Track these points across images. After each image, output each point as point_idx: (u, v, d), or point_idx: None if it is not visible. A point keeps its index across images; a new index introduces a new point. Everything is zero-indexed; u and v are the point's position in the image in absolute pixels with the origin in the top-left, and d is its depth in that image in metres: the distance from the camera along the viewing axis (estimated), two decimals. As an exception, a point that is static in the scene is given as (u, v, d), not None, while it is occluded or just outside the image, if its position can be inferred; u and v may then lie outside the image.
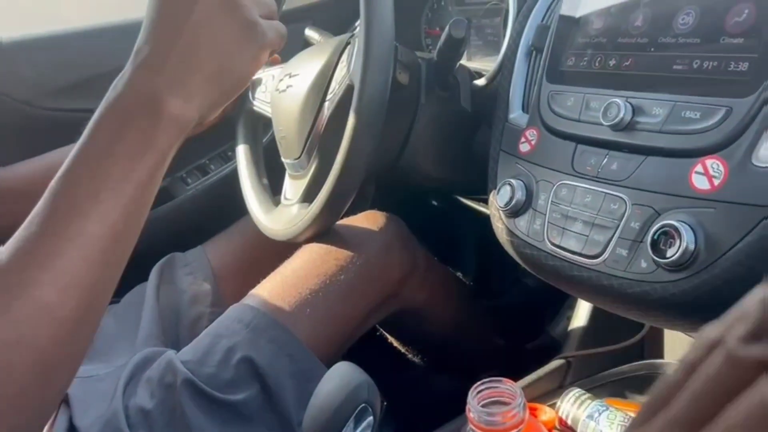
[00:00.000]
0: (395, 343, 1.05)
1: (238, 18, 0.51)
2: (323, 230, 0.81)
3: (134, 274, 0.66)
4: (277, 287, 0.81)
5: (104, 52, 1.23)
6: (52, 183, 0.48)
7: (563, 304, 1.04)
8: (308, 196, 0.82)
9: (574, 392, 0.69)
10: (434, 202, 1.32)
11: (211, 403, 0.70)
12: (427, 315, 0.96)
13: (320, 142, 0.82)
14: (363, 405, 0.56)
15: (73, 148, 0.48)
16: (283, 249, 0.92)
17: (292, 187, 0.88)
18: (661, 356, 0.82)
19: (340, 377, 0.57)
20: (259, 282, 0.87)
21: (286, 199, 0.89)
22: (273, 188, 0.98)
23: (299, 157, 0.85)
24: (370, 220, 0.91)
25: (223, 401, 0.70)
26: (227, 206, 1.07)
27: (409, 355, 1.06)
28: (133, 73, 0.49)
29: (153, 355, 0.77)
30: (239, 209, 0.99)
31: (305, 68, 0.85)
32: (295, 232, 0.81)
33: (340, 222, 0.89)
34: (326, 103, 0.82)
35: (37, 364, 0.44)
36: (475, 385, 0.53)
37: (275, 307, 0.78)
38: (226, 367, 0.72)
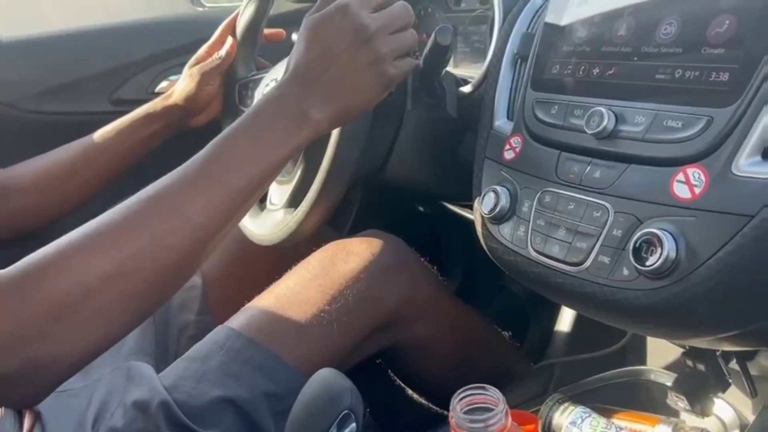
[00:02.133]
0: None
1: (373, 72, 0.64)
2: (308, 235, 0.81)
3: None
4: (259, 312, 0.79)
5: (88, 55, 1.23)
6: (214, 141, 0.61)
7: (548, 311, 1.04)
8: (294, 202, 0.82)
9: (557, 398, 0.70)
10: (420, 208, 1.32)
11: (184, 431, 0.69)
12: (429, 350, 0.90)
13: (306, 148, 0.82)
14: (346, 411, 0.56)
15: (237, 121, 0.62)
16: (271, 255, 0.91)
17: (278, 192, 0.87)
18: (644, 363, 0.82)
19: (323, 383, 0.57)
20: (246, 289, 0.86)
21: (271, 203, 0.89)
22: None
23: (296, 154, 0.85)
24: (366, 243, 0.88)
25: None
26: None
27: (409, 392, 1.00)
28: (291, 82, 0.63)
29: (133, 371, 0.75)
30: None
31: None
32: (280, 237, 0.81)
33: (336, 242, 0.88)
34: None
35: (174, 262, 0.57)
36: (459, 391, 0.53)
37: (256, 329, 0.77)
38: (198, 396, 0.71)
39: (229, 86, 1.03)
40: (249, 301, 0.82)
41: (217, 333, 0.78)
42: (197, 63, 1.02)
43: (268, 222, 0.86)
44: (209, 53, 1.03)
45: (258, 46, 1.05)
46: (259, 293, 0.83)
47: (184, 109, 1.02)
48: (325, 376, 0.58)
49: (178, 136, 1.05)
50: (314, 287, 0.80)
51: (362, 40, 0.63)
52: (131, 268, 0.54)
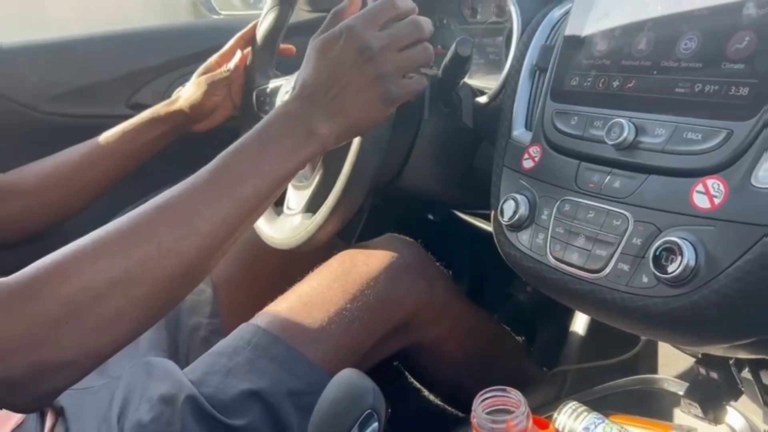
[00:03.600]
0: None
1: (379, 89, 0.66)
2: (325, 240, 0.82)
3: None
4: (284, 311, 0.81)
5: (104, 60, 1.25)
6: (223, 154, 0.63)
7: (555, 320, 1.05)
8: (311, 207, 0.83)
9: (571, 404, 0.70)
10: (430, 216, 1.33)
11: (212, 422, 0.70)
12: (445, 352, 0.93)
13: (325, 154, 0.84)
14: (368, 411, 0.57)
15: (245, 135, 0.64)
16: (284, 261, 0.93)
17: (296, 197, 0.89)
18: (656, 371, 0.83)
19: (345, 383, 0.58)
20: (258, 293, 0.87)
21: (288, 209, 0.90)
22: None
23: (303, 169, 0.86)
24: (386, 246, 0.91)
25: (224, 424, 0.71)
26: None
27: (425, 393, 1.02)
28: (298, 100, 0.65)
29: (154, 367, 0.77)
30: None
31: None
32: (297, 242, 0.82)
33: (357, 245, 0.90)
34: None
35: (181, 269, 0.58)
36: (481, 392, 0.54)
37: (281, 327, 0.79)
38: (225, 390, 0.72)
39: (246, 93, 1.05)
40: (259, 304, 0.84)
41: (244, 330, 0.79)
42: (206, 72, 1.04)
43: (285, 226, 0.87)
44: (219, 63, 1.05)
45: (276, 55, 1.06)
46: (269, 297, 0.85)
47: (188, 115, 1.04)
48: (348, 376, 0.59)
49: (181, 142, 1.07)
50: (336, 287, 0.82)
51: (366, 59, 0.65)
52: (138, 275, 0.55)
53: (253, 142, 0.63)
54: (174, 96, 1.07)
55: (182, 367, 0.78)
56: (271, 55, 1.05)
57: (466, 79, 0.95)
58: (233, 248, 1.02)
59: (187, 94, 1.04)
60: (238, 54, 1.04)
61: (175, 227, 0.57)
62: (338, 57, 0.65)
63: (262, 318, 0.81)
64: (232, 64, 1.03)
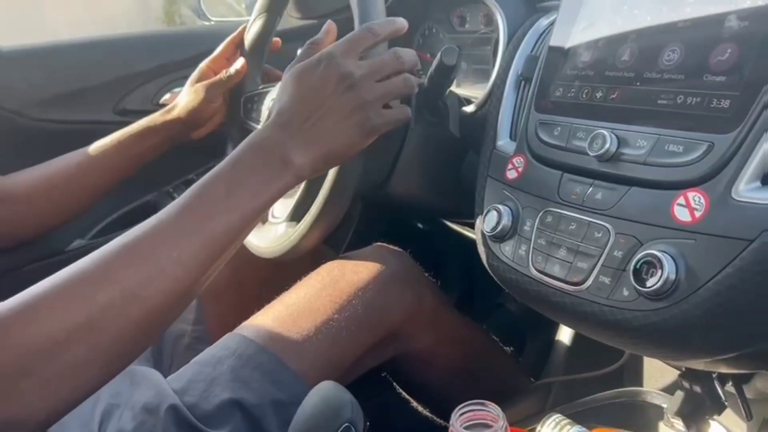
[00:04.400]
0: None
1: (356, 118, 0.65)
2: (310, 249, 0.82)
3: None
4: (270, 320, 0.80)
5: (92, 65, 1.25)
6: (192, 187, 0.60)
7: (544, 330, 1.05)
8: (296, 215, 0.83)
9: (555, 417, 0.70)
10: (420, 225, 1.33)
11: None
12: (433, 362, 0.92)
13: None
14: (346, 424, 0.56)
15: (217, 167, 0.61)
16: (269, 269, 0.92)
17: (280, 206, 0.88)
18: (641, 384, 0.83)
19: (323, 396, 0.58)
20: (243, 301, 0.87)
21: (273, 217, 0.89)
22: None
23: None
24: (374, 255, 0.90)
25: None
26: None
27: (413, 405, 1.01)
28: (273, 128, 0.63)
29: (138, 376, 0.76)
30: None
31: None
32: (281, 251, 0.82)
33: (342, 256, 0.89)
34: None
35: (146, 315, 0.54)
36: (459, 406, 0.53)
37: (266, 337, 0.78)
38: (208, 399, 0.72)
39: (234, 100, 1.04)
40: (244, 312, 0.83)
41: (229, 339, 0.79)
42: (200, 78, 1.03)
43: (269, 235, 0.87)
44: (211, 69, 1.04)
45: (264, 62, 1.06)
46: (255, 305, 0.84)
47: (186, 123, 1.02)
48: (326, 388, 0.59)
49: (177, 148, 1.06)
50: (324, 297, 0.81)
51: (346, 87, 0.64)
52: (101, 322, 0.51)
53: (223, 175, 0.60)
54: (165, 101, 1.06)
55: (166, 375, 0.77)
56: (258, 61, 1.04)
57: (454, 88, 0.95)
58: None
59: (184, 101, 1.02)
60: (240, 60, 1.02)
61: (140, 269, 0.54)
62: (317, 84, 0.64)
63: (248, 327, 0.80)
64: (233, 70, 1.01)
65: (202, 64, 1.04)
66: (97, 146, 1.01)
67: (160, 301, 0.55)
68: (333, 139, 0.64)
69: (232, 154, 0.62)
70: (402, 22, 0.69)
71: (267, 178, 0.61)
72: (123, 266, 0.54)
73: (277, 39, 1.07)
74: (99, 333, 0.52)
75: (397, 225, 1.26)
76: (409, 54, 0.68)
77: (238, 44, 1.06)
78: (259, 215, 0.61)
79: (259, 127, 0.66)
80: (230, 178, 0.60)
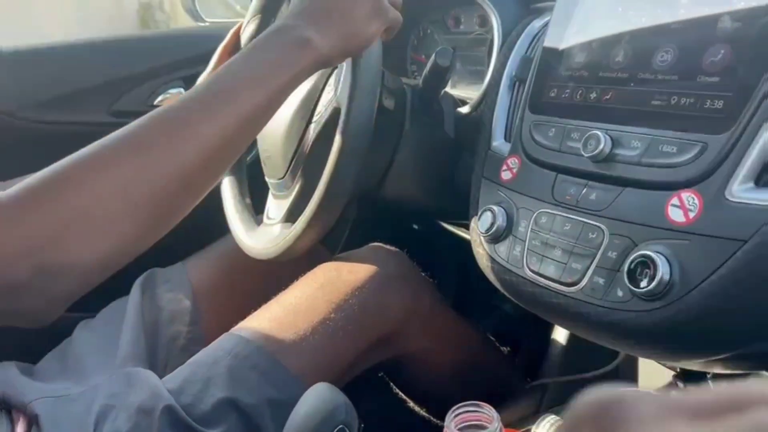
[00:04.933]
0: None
1: (367, 5, 0.67)
2: (304, 251, 0.81)
3: (112, 287, 0.66)
4: (266, 321, 0.80)
5: (87, 67, 1.24)
6: (219, 69, 0.62)
7: (540, 331, 1.05)
8: (291, 216, 0.83)
9: (549, 418, 0.70)
10: (415, 226, 1.32)
11: None
12: (429, 363, 0.92)
13: (305, 163, 0.83)
14: (340, 426, 0.56)
15: (242, 50, 0.64)
16: (265, 270, 0.92)
17: (276, 207, 0.88)
18: (636, 384, 0.83)
19: (318, 398, 0.58)
20: (238, 302, 0.86)
21: (268, 218, 0.89)
22: (256, 207, 0.98)
23: (283, 177, 0.85)
24: (370, 255, 0.90)
25: None
26: (209, 223, 1.07)
27: (410, 405, 1.01)
28: (290, 17, 0.65)
29: (134, 377, 0.76)
30: (221, 227, 0.99)
31: None
32: (276, 252, 0.82)
33: (339, 256, 0.89)
34: (312, 125, 0.83)
35: (181, 174, 0.57)
36: (453, 408, 0.53)
37: (262, 337, 0.78)
38: (204, 399, 0.71)
39: None
40: (239, 313, 0.83)
41: (225, 340, 0.78)
42: None
43: (264, 236, 0.86)
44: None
45: None
46: (250, 306, 0.84)
47: None
48: (320, 390, 0.59)
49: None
50: (320, 297, 0.81)
51: None
52: (138, 177, 0.54)
53: (246, 57, 0.63)
54: (159, 103, 1.04)
55: (161, 376, 0.77)
56: None
57: (449, 89, 0.95)
58: (213, 255, 1.03)
59: None
60: None
61: (174, 133, 0.57)
62: None
63: (244, 328, 0.80)
64: None
65: (200, 81, 1.03)
66: None
67: (194, 158, 0.57)
68: (349, 22, 0.66)
69: (251, 42, 0.64)
70: None
71: (289, 56, 0.63)
72: (157, 130, 0.56)
73: None
74: (137, 188, 0.54)
75: (393, 226, 1.26)
76: None
77: (230, 50, 1.05)
78: (284, 94, 0.64)
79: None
80: (253, 59, 0.62)
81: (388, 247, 0.92)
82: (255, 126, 0.63)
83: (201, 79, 1.01)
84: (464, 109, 0.88)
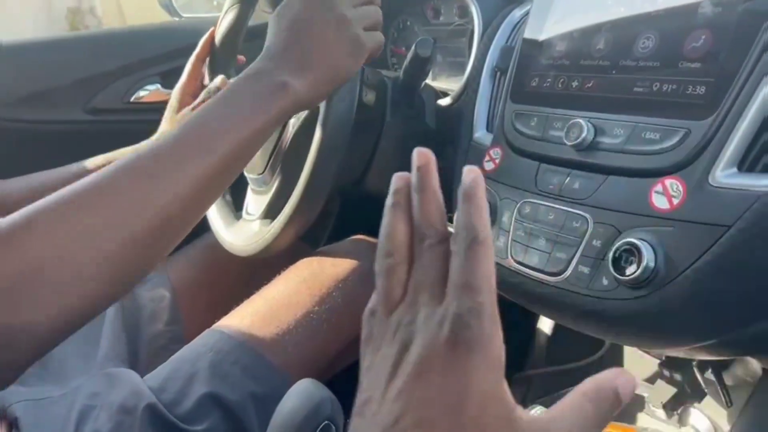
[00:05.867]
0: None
1: (344, 34, 0.65)
2: (284, 247, 0.80)
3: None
4: (249, 315, 0.79)
5: (60, 64, 1.22)
6: (194, 113, 0.59)
7: (525, 322, 1.05)
8: (270, 212, 0.82)
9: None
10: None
11: (172, 430, 0.68)
12: None
13: (284, 159, 0.82)
14: (326, 422, 0.55)
15: (218, 94, 0.61)
16: (246, 266, 0.91)
17: (255, 203, 0.87)
18: (621, 374, 0.83)
19: (302, 394, 0.57)
20: (219, 299, 0.85)
21: (248, 214, 0.88)
22: (235, 202, 0.97)
23: (262, 173, 0.84)
24: (353, 247, 0.89)
25: (184, 431, 0.68)
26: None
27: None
28: (265, 59, 0.64)
29: (115, 377, 0.75)
30: (201, 224, 0.97)
31: None
32: (256, 249, 0.80)
33: (321, 249, 0.89)
34: (291, 120, 0.81)
35: (149, 227, 0.54)
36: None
37: (245, 332, 0.77)
38: (187, 395, 0.70)
39: (206, 97, 1.02)
40: (220, 310, 0.82)
41: (208, 335, 0.77)
42: (179, 109, 0.98)
43: (243, 232, 0.85)
44: (187, 93, 0.98)
45: (236, 57, 1.04)
46: (231, 303, 0.83)
47: None
48: (305, 386, 0.58)
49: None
50: (303, 290, 0.81)
51: (327, 9, 0.65)
52: (105, 229, 0.52)
53: (219, 104, 0.61)
54: (136, 98, 1.00)
55: (142, 376, 0.76)
56: (230, 56, 1.02)
57: (430, 81, 0.95)
58: (193, 252, 1.01)
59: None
60: (216, 81, 0.99)
61: (142, 184, 0.54)
62: (299, 14, 0.65)
63: (226, 324, 0.79)
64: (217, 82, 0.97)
65: (176, 93, 0.99)
66: (101, 159, 0.96)
67: (168, 210, 0.55)
68: (326, 59, 0.65)
69: (226, 87, 0.62)
70: None
71: (265, 99, 0.61)
72: (130, 179, 0.54)
73: (241, 57, 1.05)
74: (104, 241, 0.51)
75: (376, 220, 1.25)
76: None
77: (203, 59, 1.02)
78: (261, 138, 0.62)
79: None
80: (229, 102, 0.60)
81: (370, 239, 0.91)
82: (230, 173, 0.61)
83: (168, 114, 0.98)
84: (445, 101, 0.87)
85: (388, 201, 0.40)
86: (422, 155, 0.40)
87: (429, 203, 0.39)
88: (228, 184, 0.62)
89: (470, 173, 0.37)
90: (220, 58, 1.01)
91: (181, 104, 0.98)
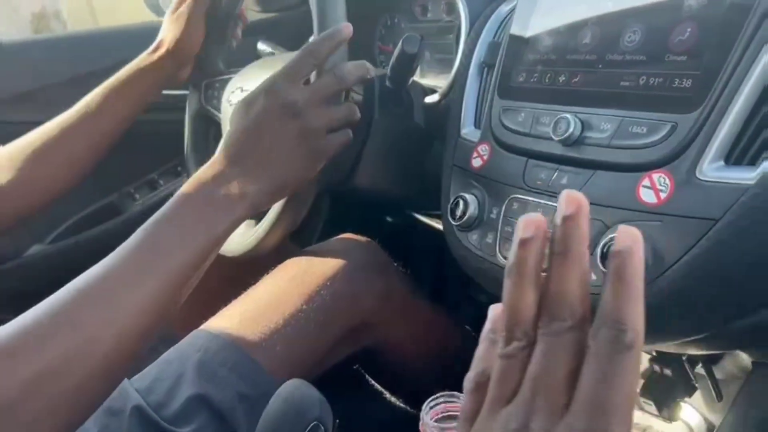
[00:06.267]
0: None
1: (305, 143, 0.64)
2: (271, 249, 0.80)
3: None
4: (236, 315, 0.79)
5: (52, 63, 1.21)
6: (144, 226, 0.57)
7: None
8: (257, 214, 0.81)
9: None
10: (389, 218, 1.31)
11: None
12: (404, 353, 0.91)
13: None
14: (314, 423, 0.55)
15: (165, 205, 0.59)
16: (233, 267, 0.90)
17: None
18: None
19: (291, 395, 0.56)
20: (207, 299, 0.85)
21: (236, 214, 0.87)
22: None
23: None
24: (341, 245, 0.89)
25: None
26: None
27: (387, 395, 1.00)
28: (223, 162, 0.62)
29: None
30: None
31: (257, 82, 0.84)
32: (243, 249, 0.80)
33: (309, 248, 0.88)
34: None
35: (103, 364, 0.51)
36: (429, 399, 0.52)
37: (232, 332, 0.76)
38: (174, 396, 0.70)
39: (195, 84, 1.02)
40: (208, 310, 0.82)
41: (195, 336, 0.77)
42: (179, 6, 0.97)
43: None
44: None
45: (227, 43, 1.03)
46: (219, 303, 0.83)
47: (176, 58, 0.96)
48: (293, 386, 0.57)
49: (138, 147, 1.02)
50: (292, 289, 0.81)
51: (291, 115, 0.64)
52: (63, 368, 0.49)
53: (173, 212, 0.59)
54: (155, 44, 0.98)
55: (130, 377, 0.75)
56: (221, 42, 1.01)
57: (418, 78, 0.94)
58: None
59: (170, 34, 0.96)
60: None
61: (100, 313, 0.52)
62: (262, 114, 0.64)
63: (214, 324, 0.79)
64: None
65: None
66: (83, 103, 0.94)
67: (123, 342, 0.53)
68: (284, 167, 0.64)
69: (182, 190, 0.60)
70: (345, 31, 0.67)
71: (222, 210, 0.60)
72: (81, 311, 0.52)
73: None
74: (61, 380, 0.49)
75: (367, 218, 1.24)
76: (349, 70, 0.68)
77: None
78: (217, 247, 0.60)
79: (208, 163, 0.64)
80: (184, 215, 0.59)
81: (358, 237, 0.91)
82: (186, 289, 0.59)
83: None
84: (433, 98, 0.87)
85: (512, 257, 0.30)
86: (573, 200, 0.30)
87: (570, 272, 0.29)
88: (185, 295, 0.60)
89: (627, 235, 0.28)
90: (211, 44, 0.99)
91: (178, 4, 0.97)
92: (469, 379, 0.34)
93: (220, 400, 0.70)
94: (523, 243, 0.30)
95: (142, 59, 0.97)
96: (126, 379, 0.73)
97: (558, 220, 0.29)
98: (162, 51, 0.96)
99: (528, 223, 0.30)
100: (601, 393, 0.27)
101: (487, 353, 0.32)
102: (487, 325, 0.33)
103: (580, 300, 0.29)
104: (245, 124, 0.64)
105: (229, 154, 0.63)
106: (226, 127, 0.88)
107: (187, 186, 0.61)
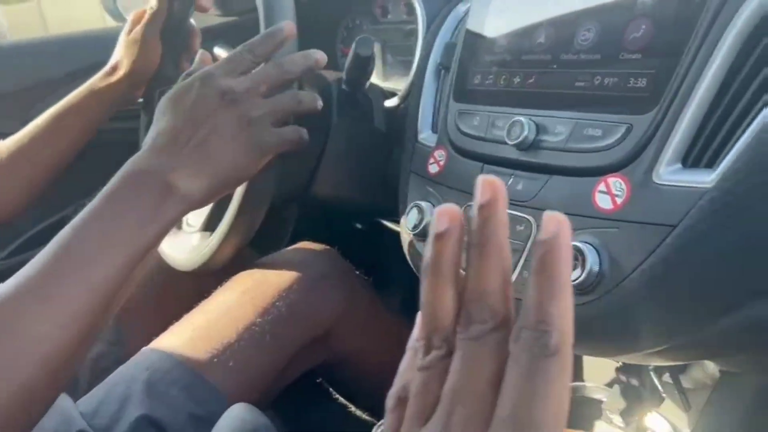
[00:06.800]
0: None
1: (245, 133, 0.58)
2: (226, 261, 0.76)
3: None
4: (187, 332, 0.76)
5: (23, 68, 1.17)
6: (61, 233, 0.52)
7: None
8: (210, 224, 0.78)
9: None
10: (358, 225, 1.28)
11: None
12: (369, 364, 0.88)
13: None
14: (259, 449, 0.52)
15: (89, 204, 0.53)
16: (190, 280, 0.87)
17: (195, 214, 0.83)
18: (581, 378, 0.80)
19: (235, 421, 0.53)
20: (164, 316, 0.81)
21: (188, 225, 0.84)
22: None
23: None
24: (297, 254, 0.86)
25: None
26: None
27: (352, 408, 0.97)
28: (151, 155, 0.55)
29: None
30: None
31: None
32: (196, 263, 0.76)
33: (263, 259, 0.85)
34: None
35: (20, 393, 0.47)
36: (379, 422, 0.49)
37: (182, 350, 0.73)
38: (121, 419, 0.66)
39: (149, 94, 0.98)
40: (165, 329, 0.78)
41: (143, 355, 0.74)
42: (133, 27, 0.93)
43: (184, 245, 0.81)
44: (139, 17, 0.94)
45: (181, 44, 0.99)
46: (176, 321, 0.79)
47: (132, 79, 0.93)
48: (238, 411, 0.54)
49: (96, 156, 0.99)
50: (245, 301, 0.77)
51: (228, 102, 0.58)
52: None
53: (97, 213, 0.53)
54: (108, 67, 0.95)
55: (74, 401, 0.71)
56: (173, 49, 0.97)
57: (380, 82, 0.92)
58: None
59: (126, 55, 0.92)
60: None
61: (10, 341, 0.47)
62: (196, 102, 0.58)
63: (163, 341, 0.76)
64: (153, 2, 0.91)
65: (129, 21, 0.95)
66: (30, 130, 0.90)
67: (37, 372, 0.48)
68: (222, 159, 0.57)
69: (106, 188, 0.54)
70: (287, 29, 0.62)
71: (150, 209, 0.53)
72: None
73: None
74: None
75: (334, 227, 1.22)
76: (293, 60, 0.62)
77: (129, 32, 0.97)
78: (150, 250, 0.54)
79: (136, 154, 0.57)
80: (107, 215, 0.52)
81: (316, 246, 0.88)
82: (118, 299, 0.53)
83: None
84: (393, 101, 0.84)
85: (427, 252, 0.27)
86: (489, 185, 0.26)
87: (489, 266, 0.26)
88: (117, 307, 0.54)
89: (553, 222, 0.25)
90: (165, 52, 0.95)
91: (131, 27, 0.93)
92: (390, 396, 0.31)
93: (170, 422, 0.67)
94: (438, 237, 0.26)
95: (97, 81, 0.94)
96: (72, 402, 0.70)
97: (474, 210, 0.25)
98: (120, 74, 0.93)
99: (442, 214, 0.26)
100: (522, 409, 0.23)
101: (411, 365, 0.29)
102: (413, 334, 0.29)
103: (502, 298, 0.26)
104: (178, 110, 0.58)
105: (160, 145, 0.56)
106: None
107: (113, 182, 0.54)
